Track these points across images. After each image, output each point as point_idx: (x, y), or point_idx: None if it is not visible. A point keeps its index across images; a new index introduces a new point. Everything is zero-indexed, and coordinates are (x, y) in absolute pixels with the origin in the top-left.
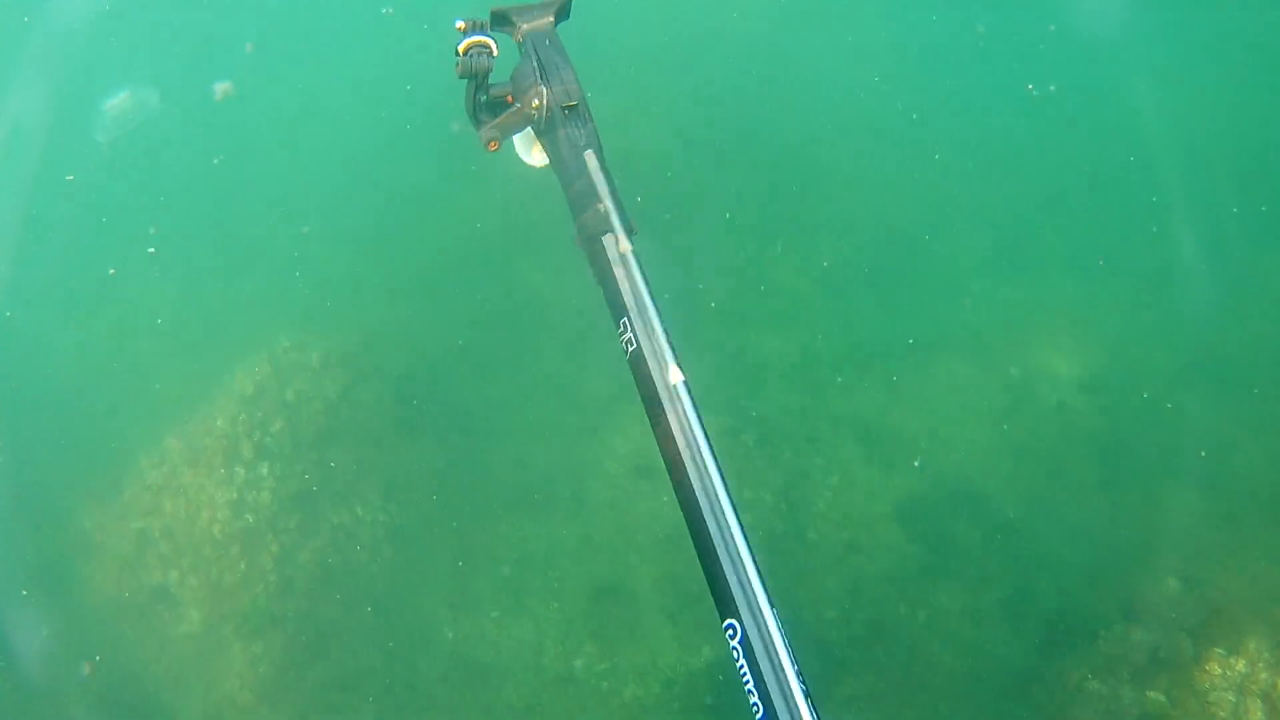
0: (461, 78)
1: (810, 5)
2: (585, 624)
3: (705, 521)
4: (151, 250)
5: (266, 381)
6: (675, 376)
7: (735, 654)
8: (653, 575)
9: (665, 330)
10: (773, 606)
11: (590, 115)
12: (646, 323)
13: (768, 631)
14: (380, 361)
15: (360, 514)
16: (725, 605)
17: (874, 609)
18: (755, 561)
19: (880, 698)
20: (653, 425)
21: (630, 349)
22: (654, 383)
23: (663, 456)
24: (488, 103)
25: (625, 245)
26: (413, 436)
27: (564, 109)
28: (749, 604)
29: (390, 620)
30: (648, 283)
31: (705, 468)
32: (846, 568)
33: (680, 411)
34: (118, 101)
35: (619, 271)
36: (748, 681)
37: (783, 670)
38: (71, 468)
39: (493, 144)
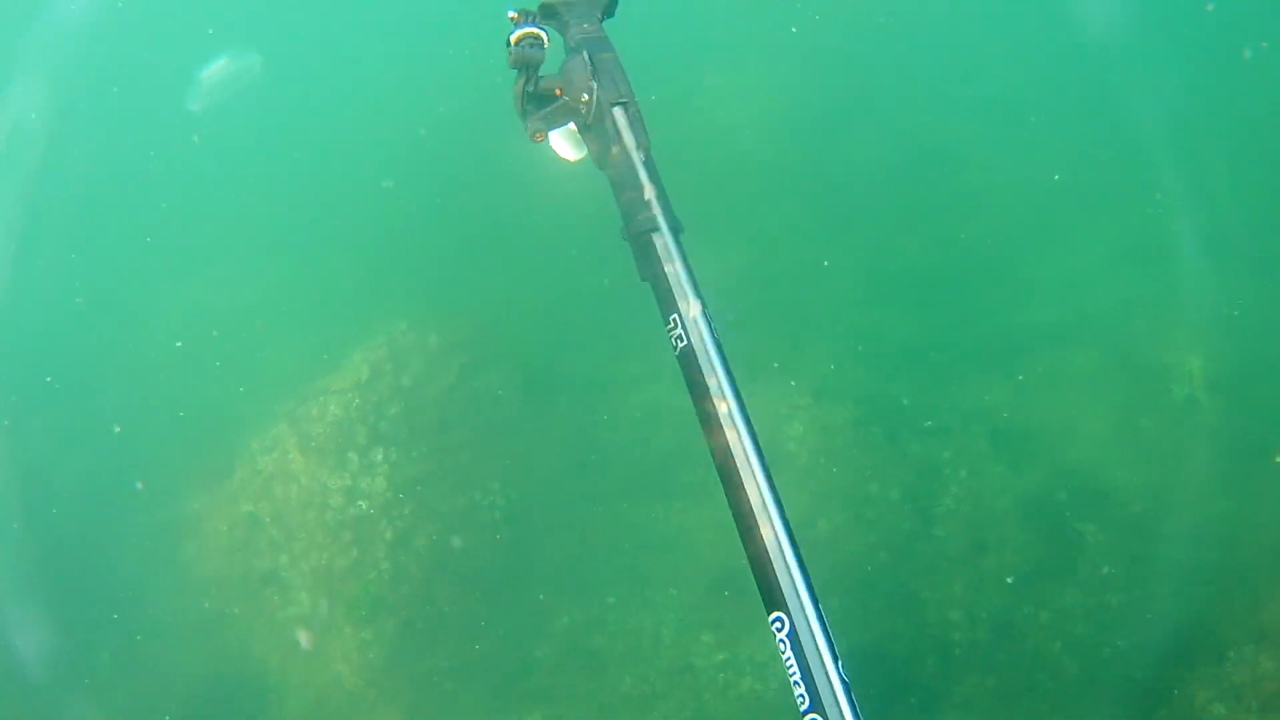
0: (512, 68)
1: None
2: (703, 614)
3: (754, 516)
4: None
5: (383, 365)
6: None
7: (782, 646)
8: None
9: (713, 329)
10: (816, 602)
11: (639, 112)
12: (695, 321)
13: (812, 625)
14: (500, 343)
15: (478, 499)
16: (772, 599)
17: (998, 608)
18: (800, 557)
19: (1000, 699)
20: (700, 420)
21: (680, 345)
22: (703, 379)
23: (711, 450)
24: (535, 94)
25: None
26: (533, 420)
27: (613, 105)
28: (796, 598)
29: (505, 607)
30: (695, 281)
31: (751, 464)
32: (973, 569)
33: (728, 405)
34: (215, 69)
35: (668, 269)
36: (794, 674)
37: (827, 663)
38: (180, 448)
39: (538, 135)
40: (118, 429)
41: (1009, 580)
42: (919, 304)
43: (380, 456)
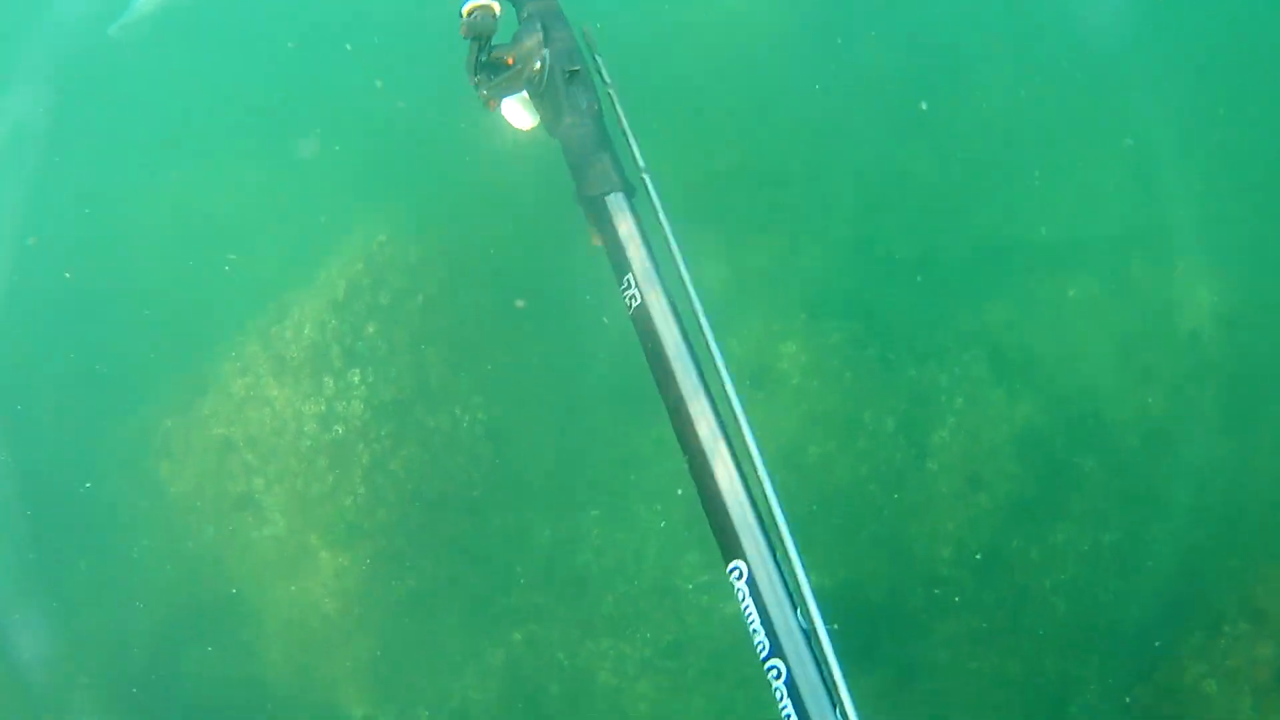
0: (465, 38)
1: None
2: (688, 532)
3: (711, 466)
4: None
5: (360, 280)
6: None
7: (740, 595)
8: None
9: (667, 288)
10: (773, 550)
11: (593, 81)
12: (649, 279)
13: (770, 574)
14: (483, 254)
15: (458, 415)
16: (729, 547)
17: (987, 542)
18: (755, 505)
19: (984, 640)
20: (655, 375)
21: (634, 304)
22: (658, 336)
23: (665, 404)
24: (488, 64)
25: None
26: (514, 332)
27: (566, 73)
28: (754, 546)
29: (485, 526)
30: (648, 242)
31: (707, 414)
32: (965, 505)
33: (684, 360)
34: None
35: (621, 230)
36: (753, 621)
37: (786, 611)
38: (151, 367)
39: (491, 104)
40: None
41: (1001, 515)
42: (917, 215)
43: (357, 378)
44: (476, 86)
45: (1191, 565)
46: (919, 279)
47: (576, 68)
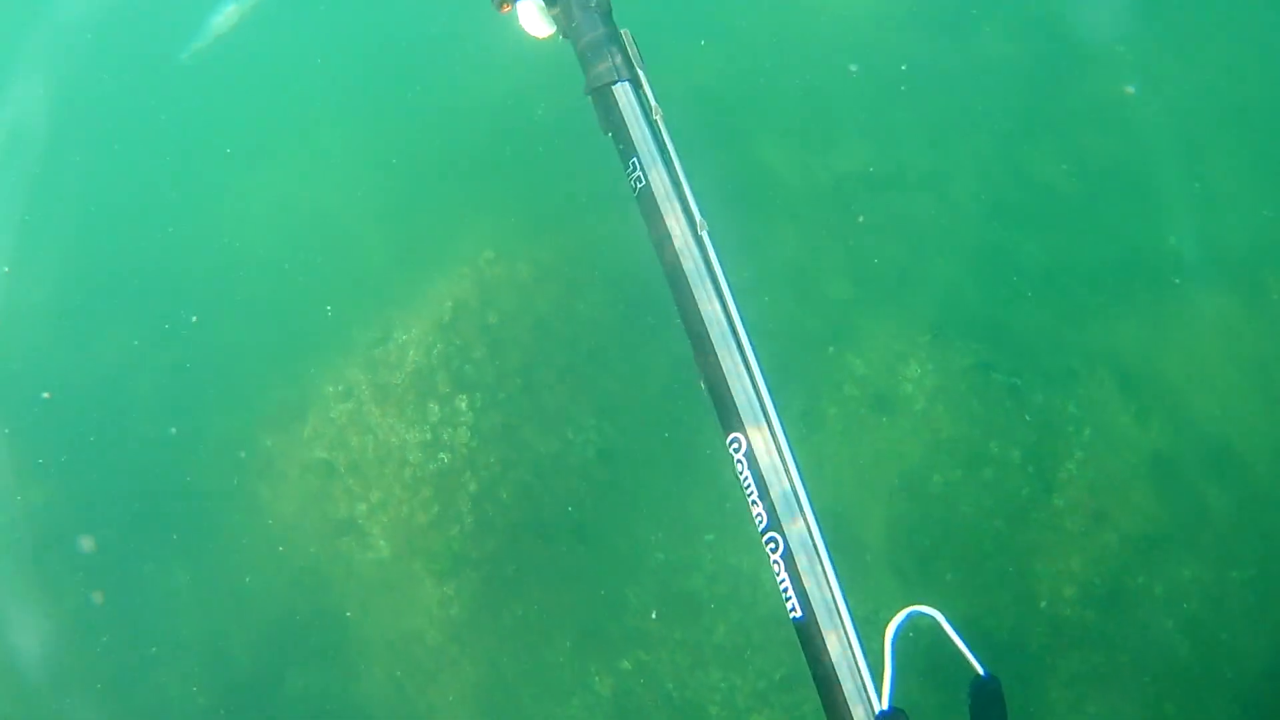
0: None
1: None
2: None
3: (710, 335)
4: None
5: (467, 300)
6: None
7: (739, 466)
8: (884, 520)
9: (671, 170)
10: (769, 419)
11: None
12: (652, 161)
13: (768, 445)
14: (596, 266)
15: (571, 437)
16: (729, 420)
17: (1113, 578)
18: (763, 374)
19: (1106, 680)
20: (656, 249)
21: (639, 186)
22: (660, 214)
23: (665, 274)
24: None
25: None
26: (630, 348)
27: None
28: (754, 416)
29: (597, 551)
30: (654, 129)
31: (711, 297)
32: (1092, 542)
33: (688, 240)
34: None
35: (627, 115)
36: (751, 493)
37: (785, 482)
38: (252, 385)
39: (505, 6)
40: (194, 318)
41: (1128, 549)
42: (1045, 222)
43: (464, 404)
44: None
45: None
46: (1047, 291)
47: None
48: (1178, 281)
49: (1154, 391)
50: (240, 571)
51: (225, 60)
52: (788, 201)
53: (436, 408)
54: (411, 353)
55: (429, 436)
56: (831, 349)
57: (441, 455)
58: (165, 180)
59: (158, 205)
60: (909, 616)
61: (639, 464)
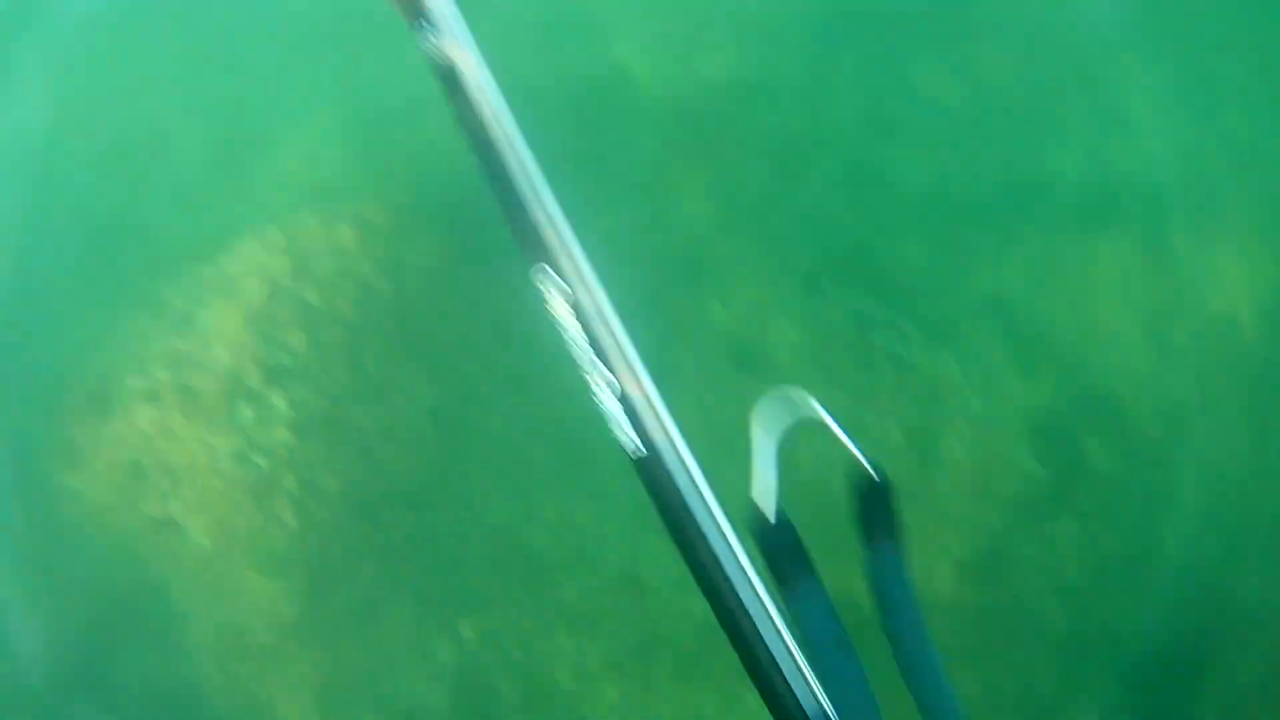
0: None
1: None
2: (655, 516)
3: (499, 150)
4: None
5: (281, 280)
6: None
7: (550, 297)
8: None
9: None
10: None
11: None
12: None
13: (585, 271)
14: (428, 209)
15: (400, 405)
16: (533, 248)
17: (991, 544)
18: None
19: (975, 653)
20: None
21: (438, 57)
22: (458, 80)
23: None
24: None
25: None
26: (461, 297)
27: None
28: (560, 241)
29: (432, 514)
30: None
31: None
32: (973, 525)
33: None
34: None
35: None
36: (568, 331)
37: (607, 311)
38: (54, 372)
39: None
40: None
41: (1007, 509)
42: (931, 143)
43: (281, 400)
44: None
45: (1204, 573)
46: (931, 220)
47: None
48: (1071, 222)
49: (1042, 342)
50: (56, 554)
51: None
52: (645, 109)
53: (249, 411)
54: (220, 350)
55: (242, 443)
56: (689, 287)
57: (257, 460)
58: None
59: None
60: (776, 405)
61: (474, 418)
